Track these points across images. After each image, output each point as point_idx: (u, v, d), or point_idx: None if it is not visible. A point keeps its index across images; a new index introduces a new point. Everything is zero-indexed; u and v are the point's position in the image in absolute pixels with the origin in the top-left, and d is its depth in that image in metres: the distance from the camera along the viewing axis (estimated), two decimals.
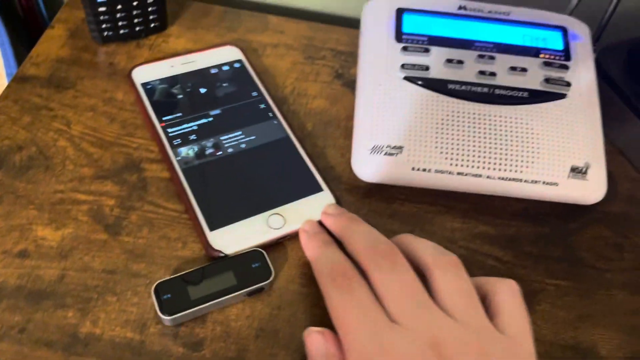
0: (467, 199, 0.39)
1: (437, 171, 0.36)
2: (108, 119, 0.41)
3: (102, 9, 0.42)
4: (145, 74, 0.41)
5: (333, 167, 0.40)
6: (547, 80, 0.39)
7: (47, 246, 0.34)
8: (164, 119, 0.39)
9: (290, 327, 0.32)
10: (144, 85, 0.41)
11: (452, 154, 0.36)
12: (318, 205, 0.35)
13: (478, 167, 0.36)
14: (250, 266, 0.32)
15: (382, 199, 0.38)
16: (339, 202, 0.36)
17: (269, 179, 0.37)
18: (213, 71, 0.42)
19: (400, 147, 0.36)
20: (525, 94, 0.39)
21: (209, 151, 0.37)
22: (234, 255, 0.33)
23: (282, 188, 0.36)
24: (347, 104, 0.43)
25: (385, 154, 0.36)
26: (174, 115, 0.39)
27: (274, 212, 0.35)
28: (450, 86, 0.38)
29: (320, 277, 0.30)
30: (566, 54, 0.41)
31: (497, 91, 0.38)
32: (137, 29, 0.45)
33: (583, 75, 0.40)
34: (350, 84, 0.45)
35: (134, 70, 0.41)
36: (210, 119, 0.39)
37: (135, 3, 0.43)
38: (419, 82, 0.38)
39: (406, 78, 0.39)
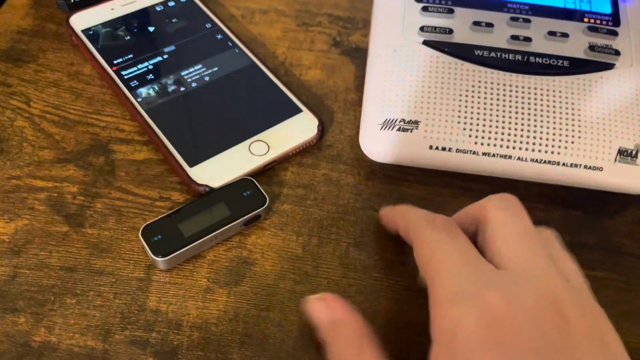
0: (485, 179, 0.33)
1: (459, 150, 0.31)
2: (73, 95, 0.36)
3: None
4: (84, 20, 0.38)
5: (331, 145, 0.35)
6: (592, 48, 0.33)
7: None
8: (115, 62, 0.36)
9: (280, 332, 0.27)
10: (86, 31, 0.38)
11: (477, 130, 0.31)
12: (299, 126, 0.34)
13: (508, 147, 0.31)
14: (242, 195, 0.30)
15: (387, 180, 0.33)
16: (321, 121, 0.34)
17: (243, 107, 0.35)
18: (158, 8, 0.40)
19: (417, 122, 0.31)
20: (566, 63, 0.33)
21: (171, 88, 0.35)
22: (222, 187, 0.31)
23: (258, 115, 0.34)
24: (346, 75, 0.38)
25: (399, 129, 0.31)
26: (125, 58, 0.36)
27: (255, 139, 0.33)
28: (477, 52, 0.33)
29: (413, 223, 0.26)
30: (614, 18, 0.35)
31: (533, 59, 0.33)
32: None
33: (634, 43, 0.34)
34: (349, 53, 0.40)
35: (71, 17, 0.38)
36: (166, 56, 0.37)
37: None
38: (441, 48, 0.33)
39: (425, 42, 0.33)
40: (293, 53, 0.39)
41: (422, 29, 0.34)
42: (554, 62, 0.33)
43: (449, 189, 0.33)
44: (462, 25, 0.34)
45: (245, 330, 0.27)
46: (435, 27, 0.34)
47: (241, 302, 0.28)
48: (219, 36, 0.38)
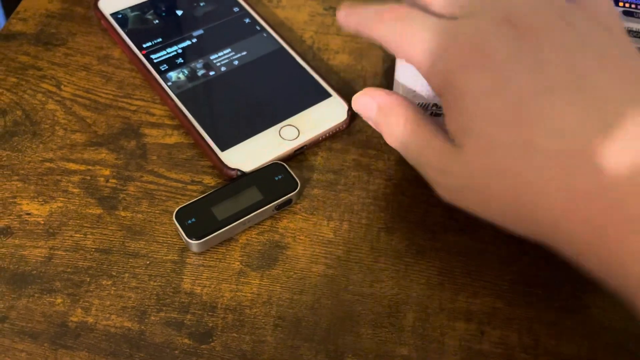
0: None
1: None
2: (103, 78, 0.36)
3: None
4: (113, 3, 0.38)
5: (361, 130, 0.34)
6: (628, 33, 0.33)
7: (32, 222, 0.30)
8: (144, 46, 0.36)
9: (313, 316, 0.28)
10: (114, 15, 0.38)
11: None
12: (329, 111, 0.34)
13: None
14: (273, 179, 0.30)
15: None
16: (350, 106, 0.33)
17: (272, 91, 0.35)
18: None
19: None
20: None
21: (200, 72, 0.35)
22: (254, 171, 0.31)
23: (288, 99, 0.34)
24: (374, 59, 0.38)
25: (432, 114, 0.31)
26: (154, 42, 0.36)
27: (285, 123, 0.33)
28: None
29: (365, 21, 0.28)
30: None
31: None
32: None
33: None
34: None
35: (100, 1, 0.38)
36: (195, 40, 0.37)
37: None
38: None
39: None
40: (321, 37, 0.39)
41: None
42: None
43: None
44: None
45: (278, 313, 0.27)
46: None
47: (274, 285, 0.28)
48: (247, 20, 0.38)
